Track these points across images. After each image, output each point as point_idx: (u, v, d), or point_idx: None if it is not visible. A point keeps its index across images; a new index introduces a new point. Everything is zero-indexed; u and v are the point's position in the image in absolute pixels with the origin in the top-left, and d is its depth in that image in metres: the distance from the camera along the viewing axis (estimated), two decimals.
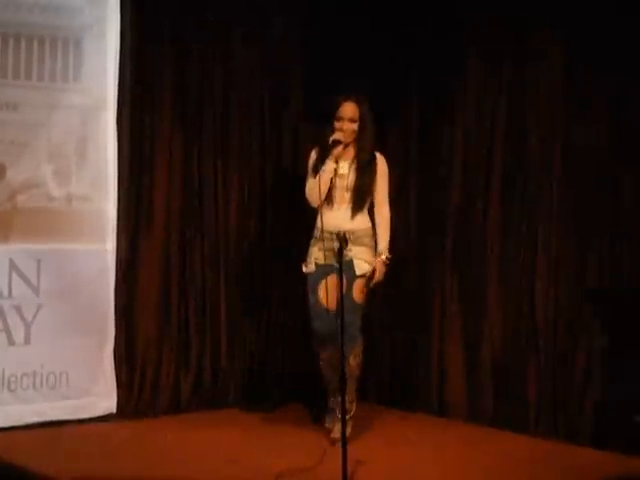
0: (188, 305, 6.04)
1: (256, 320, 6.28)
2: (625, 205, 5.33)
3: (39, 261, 5.54)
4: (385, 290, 6.46)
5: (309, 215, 5.40)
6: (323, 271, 5.28)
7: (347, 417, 5.05)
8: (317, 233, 5.26)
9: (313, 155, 5.40)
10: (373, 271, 5.26)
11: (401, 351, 6.39)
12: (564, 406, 5.48)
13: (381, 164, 5.38)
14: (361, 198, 5.33)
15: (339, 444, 4.83)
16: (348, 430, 5.05)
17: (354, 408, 5.35)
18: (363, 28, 6.16)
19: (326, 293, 5.26)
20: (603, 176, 5.39)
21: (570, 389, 5.46)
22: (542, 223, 5.64)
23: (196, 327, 6.06)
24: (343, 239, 4.99)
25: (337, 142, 5.25)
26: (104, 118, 5.79)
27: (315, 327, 5.32)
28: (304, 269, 5.34)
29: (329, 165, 5.23)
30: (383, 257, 5.29)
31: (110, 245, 5.80)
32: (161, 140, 5.93)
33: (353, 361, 5.26)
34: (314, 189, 5.20)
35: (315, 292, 5.31)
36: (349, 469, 4.32)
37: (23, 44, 5.53)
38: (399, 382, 6.39)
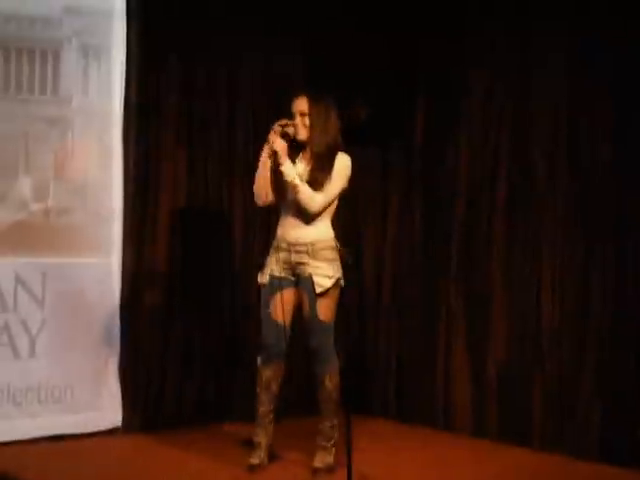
0: (192, 320, 6.04)
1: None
2: (630, 219, 5.31)
3: (44, 275, 5.55)
4: (390, 305, 6.50)
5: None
6: (278, 284, 4.93)
7: (330, 444, 4.95)
8: (275, 243, 4.98)
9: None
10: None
11: (406, 365, 6.38)
12: (570, 420, 5.46)
13: (339, 162, 4.93)
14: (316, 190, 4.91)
15: (320, 475, 4.84)
16: (330, 459, 4.93)
17: (336, 434, 4.95)
18: (367, 43, 6.16)
19: (281, 307, 4.91)
20: (607, 190, 5.38)
21: (576, 403, 5.44)
22: (547, 238, 5.63)
23: (200, 342, 6.06)
24: (347, 255, 4.83)
25: (271, 151, 4.89)
26: (108, 135, 5.81)
27: (264, 338, 4.96)
28: (259, 279, 5.01)
29: (264, 153, 4.93)
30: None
31: (115, 259, 5.80)
32: (166, 156, 5.94)
33: (329, 383, 4.92)
34: (256, 183, 4.98)
35: (267, 305, 4.95)
36: None
37: (0, 55, 5.52)
38: (404, 396, 6.38)
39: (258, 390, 5.01)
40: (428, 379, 6.21)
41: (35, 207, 5.59)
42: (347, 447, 4.30)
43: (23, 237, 5.51)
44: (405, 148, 6.42)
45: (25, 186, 5.55)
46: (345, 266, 4.72)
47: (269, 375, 4.98)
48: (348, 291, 6.29)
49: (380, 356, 6.53)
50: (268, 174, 4.94)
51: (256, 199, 5.03)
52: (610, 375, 5.31)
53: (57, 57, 5.68)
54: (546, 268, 5.62)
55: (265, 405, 5.00)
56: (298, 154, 4.99)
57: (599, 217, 5.40)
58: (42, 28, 5.63)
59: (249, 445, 5.16)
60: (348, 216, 6.41)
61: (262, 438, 4.99)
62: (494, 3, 5.91)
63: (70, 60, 5.70)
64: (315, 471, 4.89)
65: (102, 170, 5.82)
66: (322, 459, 4.94)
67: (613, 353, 5.31)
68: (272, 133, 4.92)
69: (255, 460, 4.95)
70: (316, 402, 5.01)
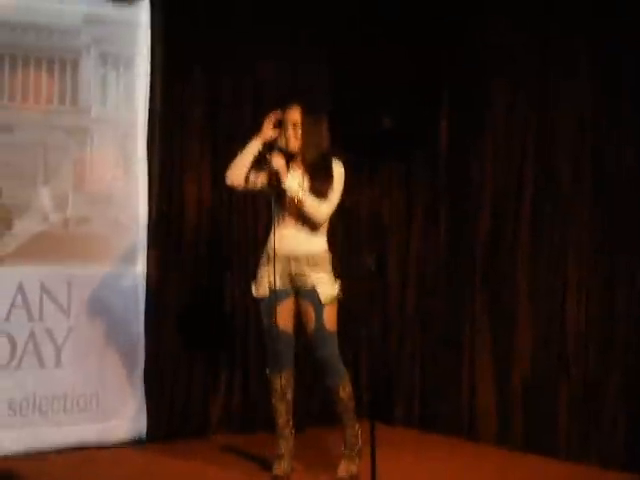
0: (218, 328, 6.05)
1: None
2: None
3: (70, 284, 5.58)
4: (414, 315, 6.49)
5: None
6: (278, 296, 4.90)
7: (354, 453, 4.97)
8: (269, 254, 4.93)
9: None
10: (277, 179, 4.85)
11: (431, 375, 6.37)
12: (596, 430, 5.43)
13: (336, 171, 4.95)
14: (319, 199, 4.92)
15: None
16: (355, 468, 4.94)
17: (360, 442, 4.97)
18: (391, 55, 6.15)
19: (284, 316, 4.93)
20: (633, 197, 5.36)
21: (602, 412, 5.41)
22: (572, 245, 5.60)
23: (226, 349, 6.07)
24: (370, 261, 4.74)
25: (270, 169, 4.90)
26: (131, 145, 5.85)
27: (271, 348, 4.96)
28: (254, 292, 5.01)
29: (255, 140, 4.94)
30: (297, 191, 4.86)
31: (140, 268, 5.83)
32: (190, 166, 5.97)
33: (343, 393, 4.94)
34: (236, 163, 4.94)
35: (270, 315, 4.93)
36: None
37: (20, 65, 5.56)
38: (429, 405, 6.36)
39: (274, 402, 5.03)
40: (453, 388, 6.19)
41: (57, 217, 5.62)
42: (371, 457, 4.29)
43: (47, 247, 5.55)
44: (429, 160, 6.41)
45: (45, 196, 5.58)
46: (369, 273, 4.69)
47: (283, 384, 4.99)
48: (373, 301, 6.36)
49: (404, 366, 6.52)
50: (250, 162, 4.93)
51: (230, 179, 4.96)
52: (636, 381, 5.27)
53: (76, 67, 5.72)
54: (571, 275, 5.58)
55: (283, 416, 5.01)
56: (287, 164, 4.97)
57: (624, 222, 5.37)
58: (61, 38, 5.67)
59: (269, 454, 5.19)
60: (372, 228, 6.43)
61: (284, 449, 5.00)
62: (513, 12, 5.89)
63: (89, 69, 5.75)
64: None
65: (125, 180, 5.86)
66: (346, 468, 4.95)
67: (639, 359, 5.28)
68: (267, 121, 4.94)
69: (279, 471, 4.95)
70: (335, 414, 5.02)
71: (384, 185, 6.63)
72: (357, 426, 5.00)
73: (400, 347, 6.56)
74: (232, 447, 5.71)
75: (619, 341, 5.36)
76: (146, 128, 5.84)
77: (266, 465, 5.21)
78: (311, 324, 4.91)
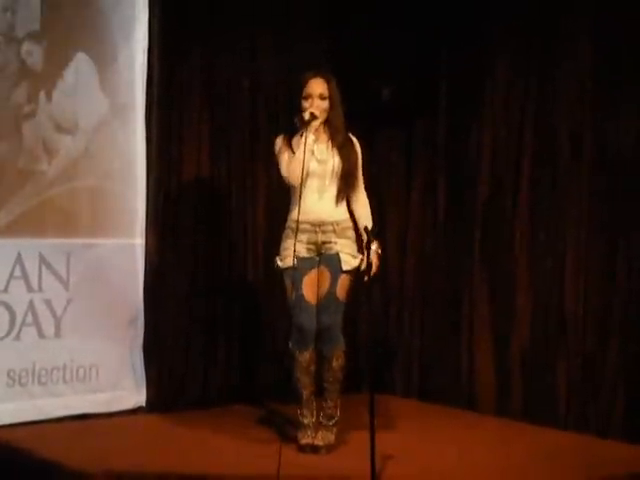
0: (216, 300, 6.05)
1: (285, 314, 6.27)
2: None
3: (69, 255, 5.57)
4: (413, 285, 6.49)
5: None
6: (305, 265, 4.89)
7: (332, 423, 5.01)
8: (293, 224, 4.88)
9: (279, 142, 4.96)
10: (369, 265, 4.65)
11: (430, 346, 6.38)
12: (594, 400, 5.45)
13: (358, 146, 5.00)
14: (348, 184, 4.95)
15: (324, 451, 4.90)
16: (332, 437, 4.98)
17: (339, 413, 5.03)
18: (391, 30, 6.11)
19: (311, 288, 4.90)
20: (633, 173, 5.34)
21: (601, 382, 5.42)
22: (571, 220, 5.60)
23: (225, 321, 6.08)
24: (371, 233, 4.70)
25: (313, 116, 4.83)
26: (133, 119, 5.83)
27: (300, 322, 4.90)
28: (280, 263, 4.95)
29: (309, 139, 4.78)
30: (374, 247, 4.77)
31: (139, 240, 5.83)
32: (189, 140, 5.96)
33: (335, 363, 4.94)
34: (295, 164, 4.79)
35: (298, 287, 4.89)
36: (378, 464, 4.29)
37: None
38: (428, 376, 6.38)
39: (298, 375, 4.99)
40: (451, 359, 6.21)
41: (59, 188, 5.60)
42: (370, 426, 4.29)
43: (47, 218, 5.53)
44: (428, 129, 6.40)
45: (49, 167, 5.56)
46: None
47: (307, 358, 4.97)
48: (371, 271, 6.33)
49: (403, 335, 6.53)
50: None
51: (293, 180, 4.85)
52: (635, 352, 5.28)
53: None
54: (570, 247, 5.59)
55: (308, 388, 5.01)
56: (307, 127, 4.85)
57: (624, 194, 5.37)
58: None
59: (267, 424, 5.34)
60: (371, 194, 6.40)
61: (310, 418, 5.01)
62: None
63: None
64: (316, 448, 4.93)
65: (127, 153, 5.83)
66: (324, 437, 4.98)
67: (638, 332, 5.28)
68: (311, 130, 4.83)
69: (308, 440, 4.97)
70: (321, 381, 5.03)
71: (383, 154, 6.60)
72: (339, 399, 5.03)
73: (399, 317, 6.57)
74: (230, 416, 5.73)
75: (618, 312, 5.37)
76: (144, 106, 5.82)
77: (268, 434, 5.26)
78: (324, 288, 4.91)
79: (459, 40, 6.15)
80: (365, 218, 5.03)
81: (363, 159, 5.05)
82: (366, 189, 5.09)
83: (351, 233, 4.98)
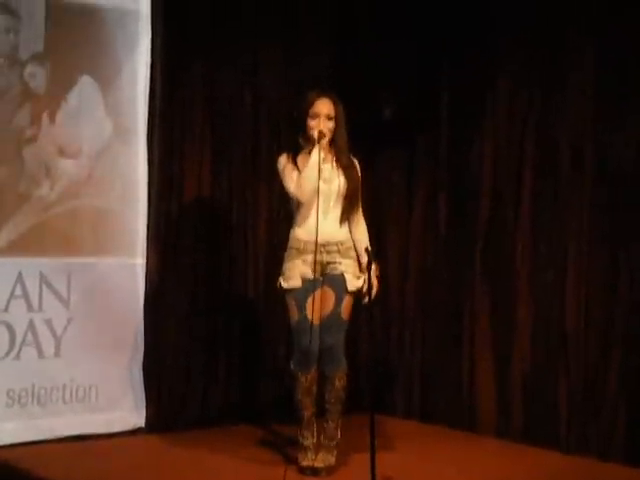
0: (217, 319, 6.04)
1: (286, 332, 6.26)
2: None
3: (69, 274, 5.57)
4: (414, 304, 6.47)
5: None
6: (310, 286, 4.88)
7: (333, 443, 4.99)
8: (298, 244, 4.92)
9: (283, 160, 4.97)
10: (369, 287, 4.68)
11: (431, 366, 6.36)
12: (596, 422, 5.42)
13: (359, 169, 5.06)
14: (352, 205, 4.99)
15: (324, 474, 4.86)
16: (332, 459, 4.96)
17: (339, 434, 5.02)
18: (393, 42, 6.13)
19: (314, 308, 4.88)
20: (634, 185, 5.34)
21: (602, 405, 5.40)
22: (573, 232, 5.58)
23: (225, 341, 6.06)
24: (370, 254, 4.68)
25: (322, 134, 4.87)
26: (135, 140, 5.83)
27: (302, 345, 4.89)
28: (284, 284, 4.94)
29: (316, 156, 4.80)
30: (373, 268, 4.73)
31: (140, 260, 5.82)
32: (191, 155, 5.96)
33: (338, 384, 4.94)
34: (304, 182, 4.80)
35: (302, 308, 4.90)
36: None
37: None
38: (429, 396, 6.36)
39: (300, 397, 4.98)
40: (452, 380, 6.18)
41: (60, 208, 5.60)
42: (371, 447, 4.28)
43: (47, 237, 5.53)
44: (430, 144, 6.39)
45: (48, 187, 5.56)
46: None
47: (309, 379, 4.97)
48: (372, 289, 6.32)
49: (404, 356, 6.51)
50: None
51: (303, 197, 4.86)
52: (637, 374, 5.26)
53: None
54: (571, 263, 5.58)
55: (309, 409, 5.00)
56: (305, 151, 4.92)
57: (626, 206, 5.36)
58: None
59: (268, 444, 5.33)
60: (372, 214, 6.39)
61: (311, 440, 5.00)
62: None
63: None
64: (316, 471, 4.89)
65: (128, 174, 5.83)
66: (323, 459, 4.95)
67: (639, 353, 5.27)
68: (321, 148, 4.85)
69: (308, 462, 4.95)
70: (322, 402, 5.02)
71: (384, 174, 6.60)
72: (340, 419, 5.02)
73: (400, 336, 6.56)
74: (230, 437, 5.70)
75: (620, 324, 5.34)
76: (145, 120, 5.83)
77: (268, 455, 5.25)
78: (327, 309, 4.91)
79: (462, 52, 6.14)
80: (364, 240, 5.04)
81: (362, 181, 5.07)
82: (364, 211, 5.12)
83: (353, 253, 5.00)
